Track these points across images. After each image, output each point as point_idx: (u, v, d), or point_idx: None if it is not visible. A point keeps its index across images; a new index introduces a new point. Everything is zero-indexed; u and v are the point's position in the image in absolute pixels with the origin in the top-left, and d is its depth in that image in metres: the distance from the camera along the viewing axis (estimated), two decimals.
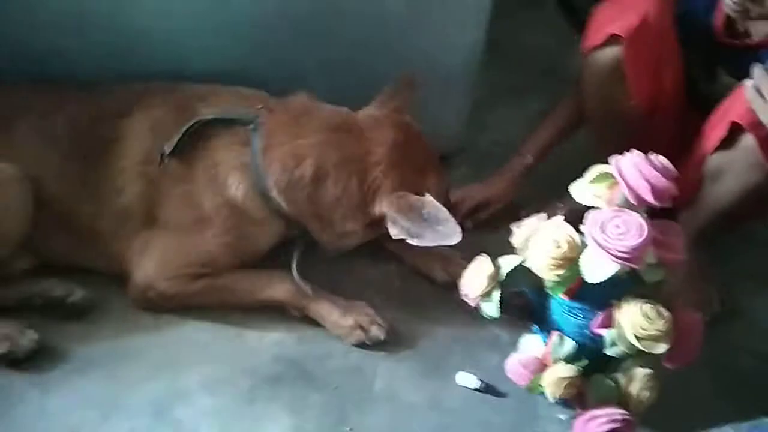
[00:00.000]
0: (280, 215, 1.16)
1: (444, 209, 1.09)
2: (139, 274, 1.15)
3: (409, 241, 1.08)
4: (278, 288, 1.17)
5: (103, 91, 1.22)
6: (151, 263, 1.15)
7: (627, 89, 1.18)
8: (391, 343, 1.17)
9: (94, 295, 1.17)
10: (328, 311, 1.17)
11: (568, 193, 1.01)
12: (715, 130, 1.11)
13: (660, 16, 1.12)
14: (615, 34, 1.13)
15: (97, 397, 1.06)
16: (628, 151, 0.96)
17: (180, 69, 1.25)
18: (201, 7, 1.24)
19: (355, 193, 1.11)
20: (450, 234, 1.07)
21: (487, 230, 1.34)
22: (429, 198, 1.10)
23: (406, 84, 1.22)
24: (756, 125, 1.01)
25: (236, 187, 1.14)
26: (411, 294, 1.27)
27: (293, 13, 1.27)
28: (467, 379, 1.13)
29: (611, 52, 1.15)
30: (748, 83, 0.98)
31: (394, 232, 1.09)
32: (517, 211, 1.29)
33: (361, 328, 1.15)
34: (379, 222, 1.12)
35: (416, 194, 1.10)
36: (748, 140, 1.06)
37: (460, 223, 1.12)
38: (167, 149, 1.14)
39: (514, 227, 1.06)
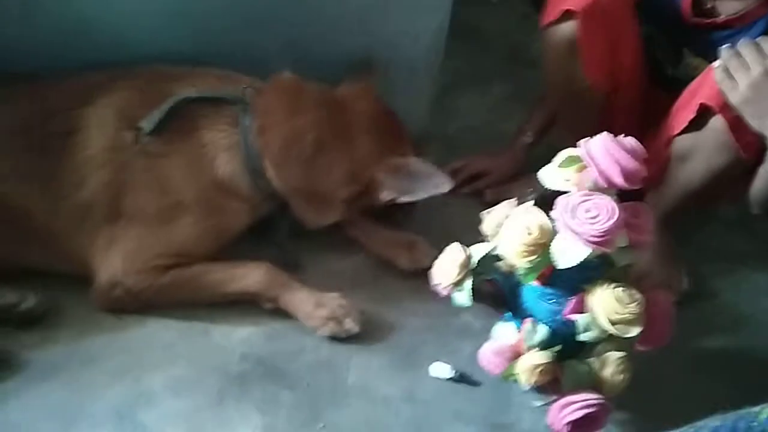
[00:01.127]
0: (265, 194, 1.17)
1: (429, 164, 1.19)
2: (105, 271, 1.10)
3: (403, 198, 1.18)
4: (252, 278, 1.14)
5: (55, 83, 1.16)
6: (118, 258, 1.10)
7: (583, 66, 1.17)
8: (363, 335, 1.14)
9: (49, 299, 1.11)
10: (302, 301, 1.14)
11: (537, 177, 1.00)
12: (684, 111, 1.11)
13: None
14: (570, 10, 1.13)
15: (58, 405, 1.01)
16: (592, 131, 0.95)
17: (131, 55, 1.19)
18: None
19: (347, 162, 1.17)
20: (440, 183, 1.18)
21: (480, 200, 1.39)
22: (412, 157, 1.19)
23: (365, 68, 1.26)
24: (725, 107, 1.01)
25: (225, 168, 1.14)
26: (381, 285, 1.25)
27: (248, 2, 1.23)
28: (441, 369, 1.12)
29: (567, 27, 1.15)
30: (716, 65, 0.98)
31: (385, 194, 1.18)
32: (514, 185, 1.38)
33: (336, 319, 1.13)
34: (366, 191, 1.19)
35: (401, 156, 1.19)
36: (717, 122, 1.06)
37: (459, 189, 1.34)
38: (147, 126, 1.10)
39: (484, 214, 1.04)
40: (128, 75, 1.17)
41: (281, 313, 1.16)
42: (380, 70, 1.28)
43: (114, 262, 1.11)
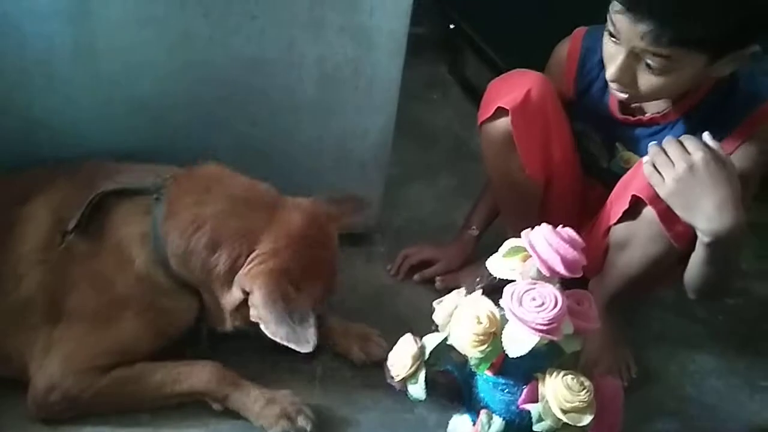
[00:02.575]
0: (185, 286, 1.11)
1: (311, 316, 1.03)
2: (43, 373, 1.05)
3: (262, 327, 1.03)
4: (199, 376, 1.10)
5: (2, 179, 1.16)
6: (56, 359, 1.06)
7: (520, 159, 1.25)
8: None
9: None
10: (252, 400, 1.10)
11: (485, 266, 1.02)
12: (618, 202, 1.17)
13: (542, 93, 1.21)
14: (502, 107, 1.21)
15: None
16: (534, 220, 1.00)
17: (87, 153, 1.20)
18: (106, 91, 1.22)
19: (238, 268, 1.06)
20: (303, 340, 1.01)
21: (428, 287, 1.41)
22: (303, 296, 1.05)
23: (353, 203, 1.22)
24: (655, 199, 1.07)
25: (138, 259, 1.09)
26: (334, 380, 1.23)
27: (203, 100, 1.27)
28: None
29: (502, 123, 1.23)
30: (645, 160, 1.05)
31: (253, 314, 1.04)
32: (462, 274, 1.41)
33: (288, 417, 1.10)
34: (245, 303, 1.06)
35: (295, 289, 1.05)
36: (648, 213, 1.12)
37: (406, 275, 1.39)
38: (70, 227, 1.08)
39: (435, 304, 1.05)
40: (68, 172, 1.16)
41: (228, 414, 1.11)
42: (365, 210, 1.23)
43: (52, 363, 1.06)
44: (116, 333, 1.09)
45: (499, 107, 1.21)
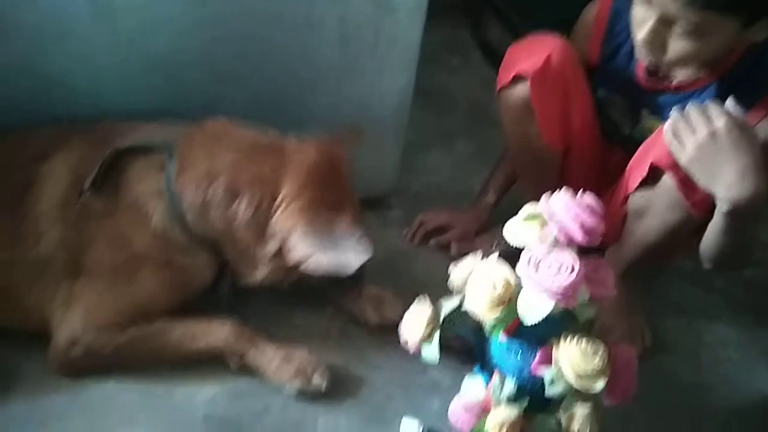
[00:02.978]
0: (203, 242, 1.12)
1: (354, 231, 1.07)
2: (64, 328, 1.08)
3: (306, 265, 1.06)
4: (217, 333, 1.12)
5: (21, 136, 1.17)
6: (77, 315, 1.08)
7: (538, 126, 1.23)
8: (332, 392, 1.13)
9: (1, 360, 1.08)
10: (269, 357, 1.12)
11: (501, 231, 1.02)
12: (637, 170, 1.16)
13: (563, 59, 1.18)
14: (521, 73, 1.18)
15: None
16: (552, 188, 0.99)
17: (104, 109, 1.21)
18: (123, 49, 1.21)
19: (265, 212, 1.08)
20: (352, 256, 1.06)
21: (444, 253, 1.42)
22: (341, 219, 1.08)
23: (347, 132, 1.23)
24: (674, 166, 1.06)
25: (155, 216, 1.10)
26: (350, 340, 1.24)
27: (220, 57, 1.25)
28: (410, 426, 1.11)
29: (521, 90, 1.21)
30: (666, 126, 1.03)
31: (294, 256, 1.06)
32: (479, 240, 1.42)
33: (304, 374, 1.12)
34: (281, 249, 1.07)
35: (330, 217, 1.08)
36: (667, 181, 1.10)
37: (424, 242, 1.40)
38: (86, 185, 1.09)
39: (451, 267, 1.06)
40: (85, 130, 1.17)
41: (246, 371, 1.13)
42: (359, 136, 1.24)
43: (74, 318, 1.08)
44: (134, 290, 1.11)
45: (518, 73, 1.19)
